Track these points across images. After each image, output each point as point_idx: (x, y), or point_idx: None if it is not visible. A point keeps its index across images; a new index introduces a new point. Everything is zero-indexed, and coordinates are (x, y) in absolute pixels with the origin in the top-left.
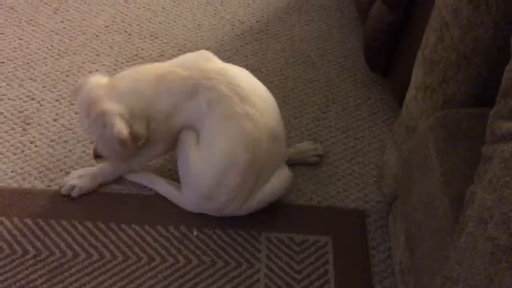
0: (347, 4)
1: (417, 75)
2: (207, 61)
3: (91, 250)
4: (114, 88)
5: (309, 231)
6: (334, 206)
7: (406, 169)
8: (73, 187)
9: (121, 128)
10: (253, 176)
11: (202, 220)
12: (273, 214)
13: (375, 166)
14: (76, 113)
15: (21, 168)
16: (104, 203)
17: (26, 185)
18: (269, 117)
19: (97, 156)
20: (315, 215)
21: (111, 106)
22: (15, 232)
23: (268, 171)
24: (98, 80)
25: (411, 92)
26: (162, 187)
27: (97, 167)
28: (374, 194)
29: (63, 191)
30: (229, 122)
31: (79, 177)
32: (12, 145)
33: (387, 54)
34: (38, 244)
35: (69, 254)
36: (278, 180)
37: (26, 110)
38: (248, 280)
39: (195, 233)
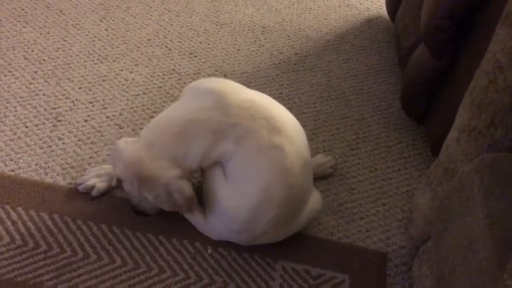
0: (386, 48)
1: (462, 117)
2: (226, 97)
3: (102, 253)
4: (156, 154)
5: (327, 266)
6: (354, 244)
7: (443, 210)
8: (91, 187)
9: (189, 189)
10: (291, 206)
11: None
12: (291, 244)
13: (400, 210)
14: (107, 117)
15: (46, 163)
16: (122, 208)
17: (48, 180)
18: (298, 143)
19: (140, 213)
20: (335, 250)
21: (169, 173)
22: (29, 224)
23: (303, 197)
24: (135, 151)
25: (453, 135)
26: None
27: None
28: (397, 238)
29: (81, 189)
30: (259, 156)
31: (97, 176)
32: (40, 139)
33: (425, 100)
34: (50, 239)
35: (80, 254)
36: (311, 205)
37: (59, 107)
38: None
39: (209, 251)
